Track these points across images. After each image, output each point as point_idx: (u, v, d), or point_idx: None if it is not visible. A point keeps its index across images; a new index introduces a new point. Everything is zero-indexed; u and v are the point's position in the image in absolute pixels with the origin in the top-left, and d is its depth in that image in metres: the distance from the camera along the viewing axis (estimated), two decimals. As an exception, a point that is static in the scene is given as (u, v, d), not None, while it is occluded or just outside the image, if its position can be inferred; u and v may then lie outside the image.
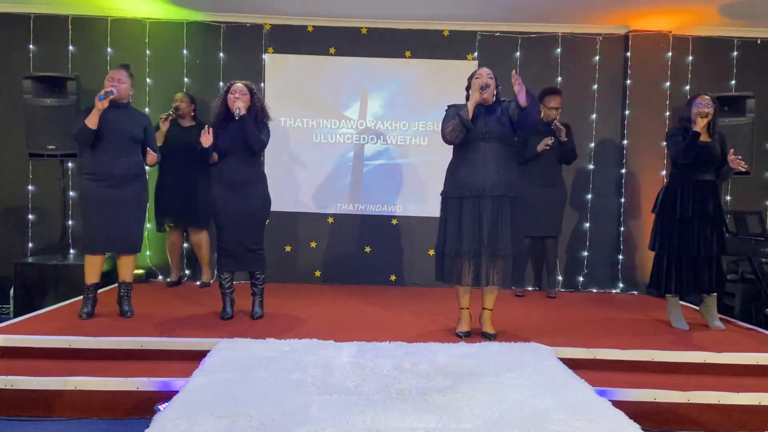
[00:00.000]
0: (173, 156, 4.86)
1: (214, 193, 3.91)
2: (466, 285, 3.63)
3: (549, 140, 4.73)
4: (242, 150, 3.84)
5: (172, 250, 5.16)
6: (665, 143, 4.02)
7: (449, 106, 3.73)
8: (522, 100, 3.40)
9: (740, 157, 3.82)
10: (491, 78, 3.60)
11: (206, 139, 3.76)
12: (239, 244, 3.89)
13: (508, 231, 3.55)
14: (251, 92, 3.88)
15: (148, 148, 3.92)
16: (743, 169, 3.85)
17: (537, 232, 4.95)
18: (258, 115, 3.89)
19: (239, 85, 3.86)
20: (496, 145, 3.57)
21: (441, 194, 3.74)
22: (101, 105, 3.67)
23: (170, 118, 4.89)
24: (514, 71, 3.47)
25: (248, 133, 3.79)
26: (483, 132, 3.56)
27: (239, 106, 3.76)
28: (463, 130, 3.55)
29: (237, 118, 3.75)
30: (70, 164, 5.12)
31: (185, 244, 5.35)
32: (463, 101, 3.70)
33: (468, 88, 3.70)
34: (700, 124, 3.78)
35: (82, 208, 3.91)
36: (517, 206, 3.61)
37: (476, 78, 3.63)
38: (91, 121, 3.70)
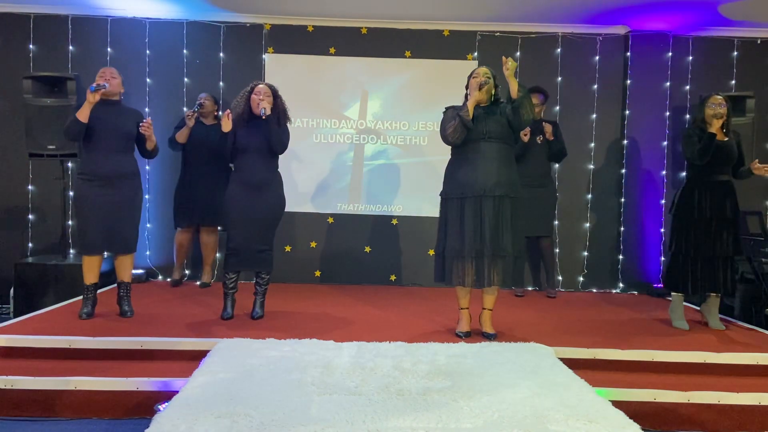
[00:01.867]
0: (196, 154, 4.89)
1: (230, 192, 3.90)
2: (467, 286, 3.63)
3: (527, 130, 4.73)
4: (261, 150, 3.85)
5: (180, 249, 5.15)
6: (681, 144, 4.05)
7: (447, 108, 3.74)
8: (513, 89, 3.50)
9: (766, 167, 3.83)
10: (488, 77, 3.61)
11: (226, 124, 3.75)
12: (249, 245, 3.88)
13: (509, 231, 3.55)
14: (275, 94, 3.90)
15: (144, 120, 3.80)
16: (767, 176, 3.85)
17: (531, 232, 4.97)
18: (281, 117, 3.91)
19: (263, 86, 3.88)
20: (497, 145, 3.57)
21: (440, 194, 3.74)
22: (92, 98, 3.64)
23: (195, 114, 4.89)
24: (504, 57, 3.53)
25: (272, 135, 3.83)
26: (483, 132, 3.57)
27: (265, 106, 3.77)
28: (464, 131, 3.56)
29: (263, 117, 3.77)
30: (70, 164, 5.11)
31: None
32: (462, 101, 3.71)
33: (467, 87, 3.71)
34: (715, 125, 3.82)
35: (77, 208, 3.89)
36: (517, 206, 3.62)
37: (474, 77, 3.65)
38: (83, 114, 3.67)
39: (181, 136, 4.88)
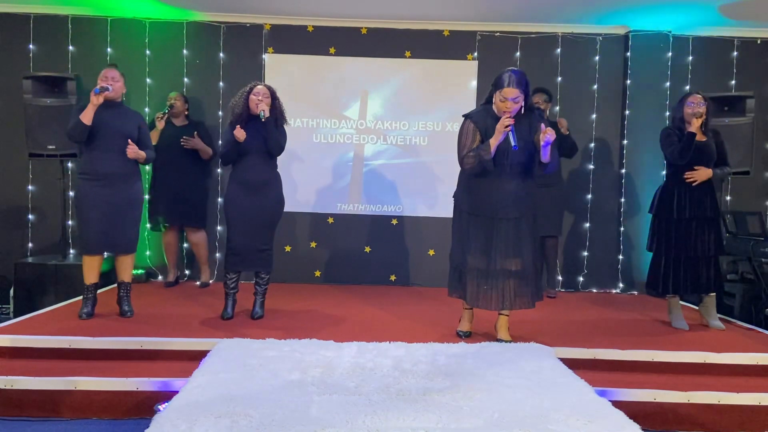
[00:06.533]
0: (167, 155, 4.86)
1: (230, 192, 3.92)
2: (469, 304, 3.57)
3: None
4: (261, 151, 3.87)
5: (168, 249, 5.15)
6: (660, 144, 4.03)
7: (465, 118, 3.49)
8: (545, 157, 3.29)
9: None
10: (515, 101, 3.32)
11: (241, 133, 3.76)
12: (249, 244, 3.90)
13: (528, 250, 3.45)
14: (273, 95, 3.91)
15: (129, 141, 3.81)
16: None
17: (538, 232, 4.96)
18: (278, 118, 3.93)
19: (262, 87, 3.88)
20: (519, 168, 3.44)
21: (453, 196, 3.67)
22: (96, 100, 3.66)
23: (165, 116, 4.89)
24: (543, 127, 3.27)
25: (270, 137, 3.85)
26: (506, 164, 3.39)
27: (264, 108, 3.79)
28: (483, 168, 3.38)
29: (263, 119, 3.78)
30: (70, 164, 5.11)
31: (185, 244, 5.35)
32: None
33: (494, 85, 3.42)
34: (694, 125, 3.79)
35: (77, 208, 3.90)
36: (533, 224, 3.52)
37: (501, 101, 3.34)
38: (86, 117, 3.68)
39: (152, 139, 4.86)
